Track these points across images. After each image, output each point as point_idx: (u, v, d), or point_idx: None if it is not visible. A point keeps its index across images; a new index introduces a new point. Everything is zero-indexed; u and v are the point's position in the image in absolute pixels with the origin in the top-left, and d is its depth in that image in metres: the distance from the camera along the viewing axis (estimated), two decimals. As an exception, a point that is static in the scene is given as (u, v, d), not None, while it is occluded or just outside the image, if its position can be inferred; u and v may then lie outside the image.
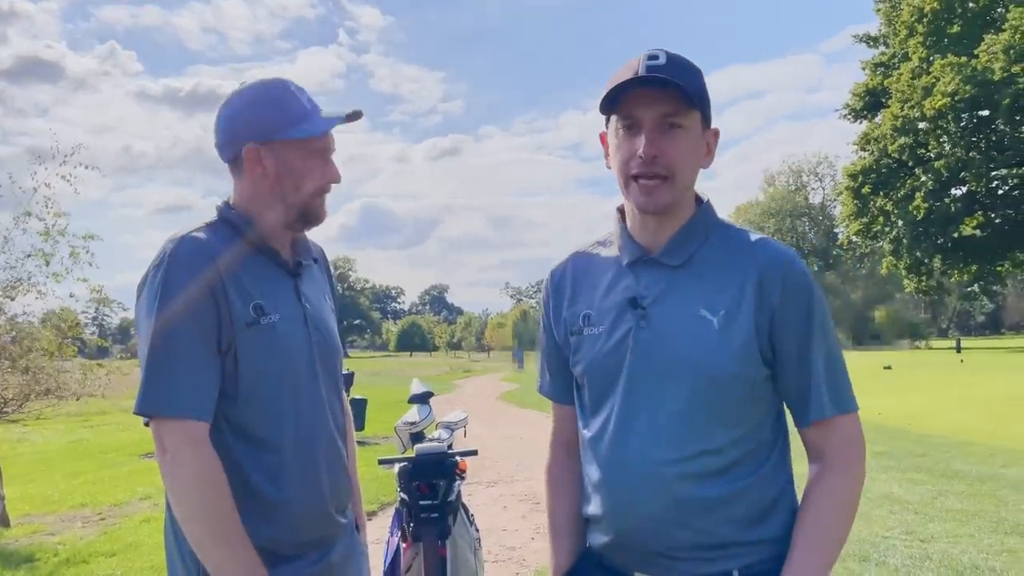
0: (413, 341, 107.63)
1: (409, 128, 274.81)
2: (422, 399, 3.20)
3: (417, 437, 3.14)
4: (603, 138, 1.52)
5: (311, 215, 1.68)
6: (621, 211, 1.54)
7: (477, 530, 3.39)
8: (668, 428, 1.36)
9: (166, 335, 1.50)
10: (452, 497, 3.06)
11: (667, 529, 1.37)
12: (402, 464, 2.86)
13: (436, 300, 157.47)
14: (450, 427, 3.25)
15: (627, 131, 1.41)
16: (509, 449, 10.89)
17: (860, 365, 28.03)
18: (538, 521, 6.56)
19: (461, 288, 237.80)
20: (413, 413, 3.16)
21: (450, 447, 2.97)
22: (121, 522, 6.77)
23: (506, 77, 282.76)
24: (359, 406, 12.36)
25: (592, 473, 1.48)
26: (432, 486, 2.98)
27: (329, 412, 1.71)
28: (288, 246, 1.73)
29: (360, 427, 12.34)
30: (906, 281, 43.09)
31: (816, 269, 64.53)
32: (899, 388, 17.54)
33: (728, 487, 1.36)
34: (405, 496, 2.94)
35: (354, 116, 1.70)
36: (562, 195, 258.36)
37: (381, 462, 2.89)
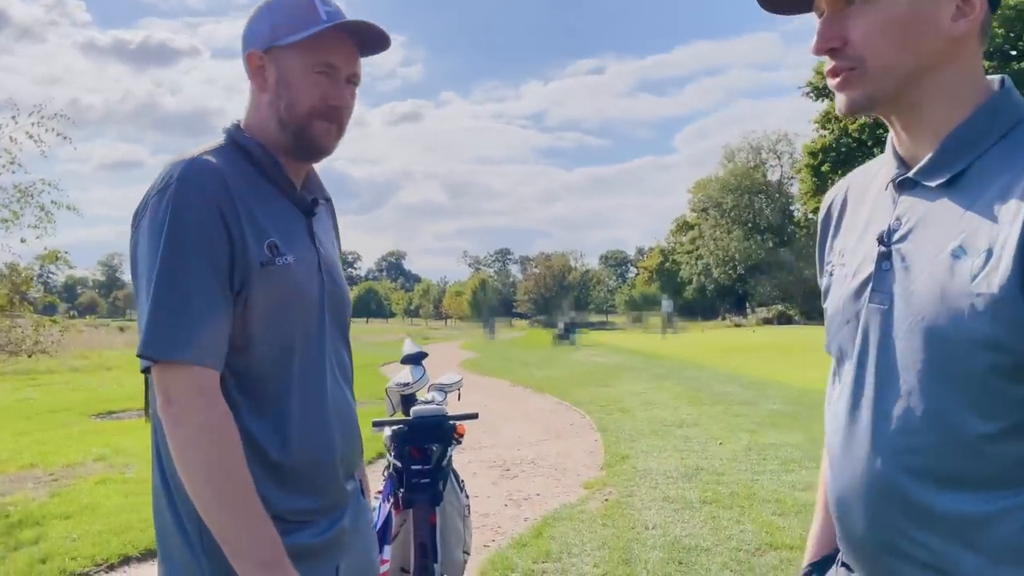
0: (370, 307, 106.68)
1: (367, 92, 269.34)
2: (415, 360, 3.03)
3: (409, 399, 2.98)
4: None
5: (308, 143, 1.47)
6: None
7: (467, 496, 3.26)
8: (899, 409, 1.02)
9: (176, 269, 1.31)
10: (445, 462, 2.92)
11: (888, 535, 1.04)
12: (397, 427, 2.70)
13: (393, 267, 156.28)
14: (443, 389, 3.10)
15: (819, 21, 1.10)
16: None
17: (814, 340, 28.55)
18: (509, 488, 6.47)
19: (419, 255, 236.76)
20: (406, 374, 2.99)
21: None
22: (75, 483, 6.49)
23: (467, 44, 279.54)
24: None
25: (827, 446, 1.18)
26: (424, 451, 2.84)
27: (337, 364, 1.56)
28: (301, 180, 1.55)
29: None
30: (859, 259, 44.00)
31: (771, 245, 65.50)
32: (854, 363, 17.86)
33: (978, 502, 0.97)
34: (397, 462, 2.79)
35: (370, 33, 1.48)
36: (522, 165, 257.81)
37: (375, 424, 2.72)
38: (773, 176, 72.17)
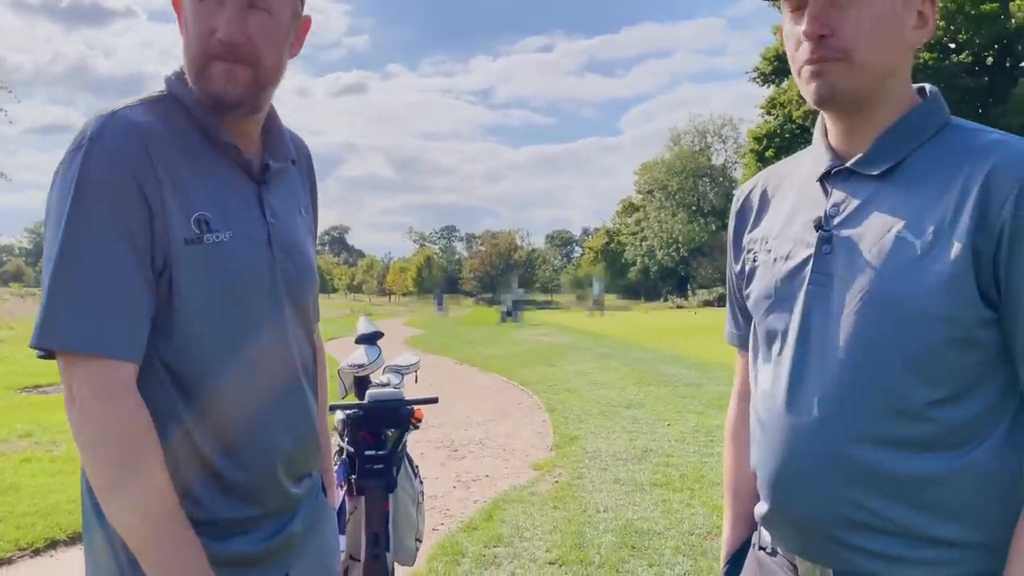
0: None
1: (311, 60, 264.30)
2: (370, 340, 2.87)
3: (363, 382, 2.82)
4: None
5: (209, 92, 1.20)
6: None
7: (421, 482, 3.14)
8: (847, 380, 1.07)
9: (80, 243, 1.11)
10: (400, 448, 2.79)
11: (836, 506, 1.08)
12: (351, 411, 2.55)
13: (336, 241, 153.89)
14: (400, 371, 2.95)
15: (794, 14, 1.13)
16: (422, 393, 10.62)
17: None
18: (458, 469, 6.36)
19: (363, 230, 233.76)
20: (360, 355, 2.83)
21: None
22: (-3, 463, 6.13)
23: (415, 15, 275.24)
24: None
25: (755, 430, 1.22)
26: (378, 435, 2.70)
27: (296, 356, 1.35)
28: (256, 139, 1.33)
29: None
30: (798, 244, 45.02)
31: (714, 229, 66.57)
32: (793, 346, 18.27)
33: (923, 463, 1.04)
34: (350, 447, 2.64)
35: None
36: (469, 141, 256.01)
37: (331, 408, 2.56)
38: (718, 160, 73.27)
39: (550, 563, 4.06)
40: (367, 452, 2.65)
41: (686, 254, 66.55)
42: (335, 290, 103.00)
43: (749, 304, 1.26)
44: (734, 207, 1.37)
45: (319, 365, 1.50)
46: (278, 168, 1.35)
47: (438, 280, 72.40)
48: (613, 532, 4.49)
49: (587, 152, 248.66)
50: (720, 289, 59.68)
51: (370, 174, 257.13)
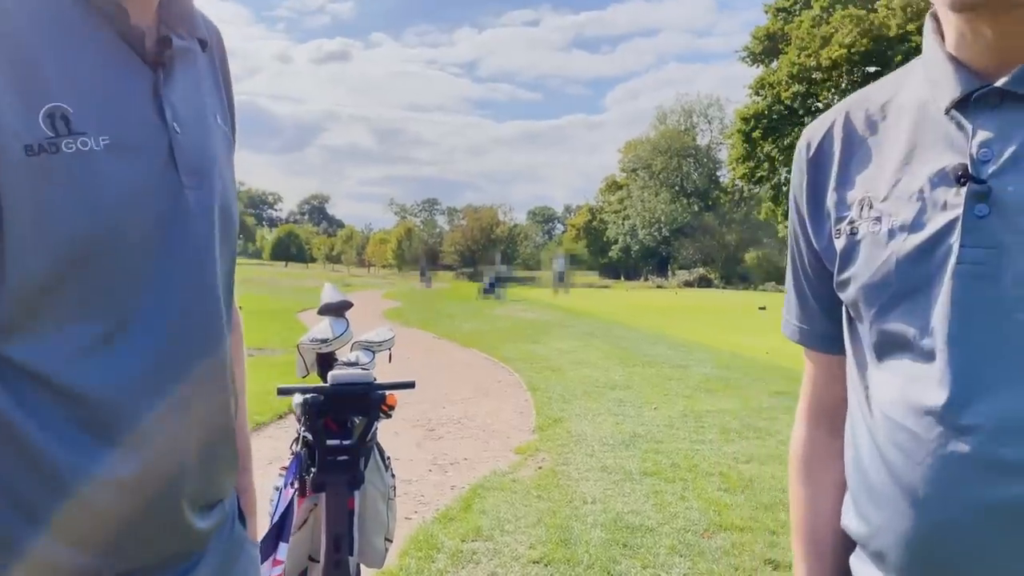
0: (289, 251, 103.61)
1: (294, 26, 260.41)
2: (337, 311, 2.44)
3: (327, 359, 2.40)
4: None
5: None
6: (935, 19, 0.88)
7: (393, 475, 2.73)
8: None
9: None
10: (369, 437, 2.38)
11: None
12: (310, 395, 2.13)
13: (316, 210, 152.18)
14: (371, 348, 2.52)
15: None
16: (397, 370, 10.15)
17: (736, 305, 29.03)
18: (434, 451, 5.97)
19: (343, 200, 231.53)
20: (324, 328, 2.40)
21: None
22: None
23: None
24: (232, 314, 11.26)
25: (871, 465, 0.85)
26: (344, 424, 2.28)
27: (205, 331, 0.90)
28: (151, 9, 0.88)
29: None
30: (781, 227, 44.92)
31: (696, 210, 66.33)
32: (778, 328, 17.98)
33: None
34: (308, 435, 2.22)
35: None
36: (454, 114, 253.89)
37: (281, 392, 2.14)
38: (703, 141, 72.92)
39: (534, 562, 3.68)
40: (330, 442, 2.24)
41: (668, 234, 66.40)
42: (313, 260, 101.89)
43: (847, 294, 0.90)
44: (802, 154, 0.98)
45: (236, 346, 1.05)
46: (183, 48, 0.90)
47: (419, 253, 71.60)
48: (602, 527, 4.12)
49: (571, 129, 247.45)
50: (701, 270, 59.64)
51: (351, 144, 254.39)
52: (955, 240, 0.77)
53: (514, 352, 11.93)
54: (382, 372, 2.47)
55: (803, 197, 0.97)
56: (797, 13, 39.37)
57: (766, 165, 39.92)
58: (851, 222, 0.88)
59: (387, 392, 2.23)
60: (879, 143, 0.89)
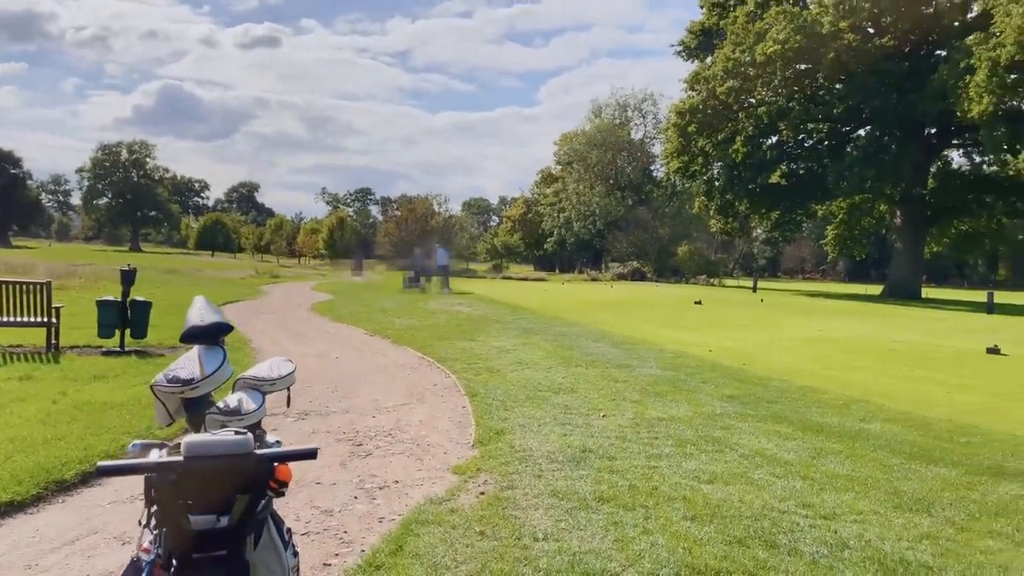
0: (216, 240, 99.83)
1: (221, 9, 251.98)
2: (210, 336, 1.74)
3: (197, 405, 1.71)
4: None
5: None
6: None
7: (296, 553, 2.03)
8: None
9: None
10: (259, 510, 1.69)
11: None
12: (154, 475, 1.43)
13: (244, 199, 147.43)
14: (260, 388, 1.82)
15: None
16: (323, 371, 9.41)
17: (672, 298, 28.92)
18: (361, 471, 5.26)
19: (273, 189, 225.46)
20: (191, 361, 1.70)
21: (260, 436, 1.58)
22: None
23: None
24: (140, 310, 10.25)
25: None
26: (222, 498, 1.59)
27: None
28: None
29: (141, 334, 10.28)
30: (713, 221, 45.19)
31: (630, 203, 66.47)
32: (717, 324, 17.81)
33: None
34: (164, 526, 1.52)
35: None
36: (385, 103, 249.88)
37: (102, 471, 1.43)
38: (637, 135, 73.14)
39: (479, 626, 3.04)
40: (198, 527, 1.55)
41: (602, 227, 66.44)
42: (242, 249, 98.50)
43: None
44: None
45: None
46: None
47: (352, 244, 69.80)
48: (559, 574, 3.50)
49: (505, 121, 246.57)
50: (634, 263, 59.76)
51: (281, 132, 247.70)
52: None
53: (450, 351, 11.23)
54: (273, 427, 1.77)
55: None
56: (732, 9, 39.52)
57: (700, 160, 39.99)
58: None
59: (277, 463, 1.54)
60: None
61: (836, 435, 6.37)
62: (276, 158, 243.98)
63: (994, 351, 13.40)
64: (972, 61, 27.09)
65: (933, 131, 36.28)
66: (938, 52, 33.34)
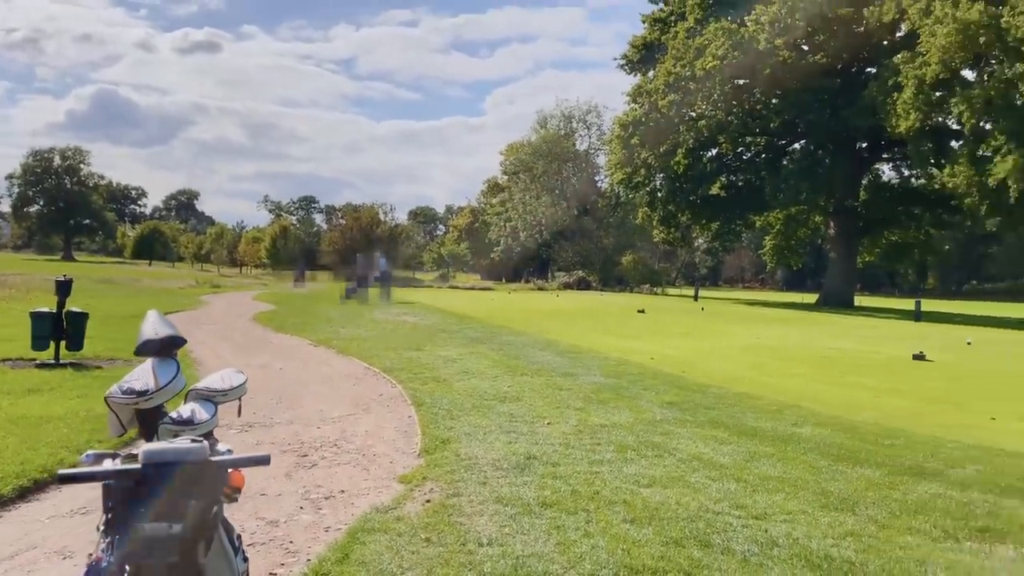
0: (154, 249, 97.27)
1: (158, 13, 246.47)
2: (164, 349, 1.80)
3: (152, 415, 1.77)
4: None
5: None
6: None
7: (246, 559, 2.09)
8: None
9: None
10: (211, 516, 1.75)
11: None
12: (113, 482, 1.49)
13: (184, 207, 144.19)
14: (212, 399, 1.89)
15: None
16: (267, 382, 9.34)
17: (616, 307, 29.38)
18: (307, 481, 5.28)
19: (213, 196, 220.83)
20: (144, 374, 1.76)
21: (212, 445, 1.65)
22: None
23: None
24: (77, 322, 10.01)
25: None
26: (175, 505, 1.66)
27: None
28: None
29: (77, 347, 10.04)
30: (656, 231, 46.06)
31: (576, 213, 67.23)
32: (659, 332, 18.19)
33: None
34: (118, 531, 1.58)
35: None
36: (329, 111, 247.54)
37: (62, 479, 1.49)
38: (582, 146, 74.01)
39: (425, 629, 3.12)
40: (150, 534, 1.61)
41: (548, 237, 66.99)
42: (181, 259, 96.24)
43: None
44: None
45: None
46: None
47: (295, 252, 68.85)
48: (502, 577, 3.61)
49: (451, 130, 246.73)
50: (580, 272, 60.43)
51: (221, 138, 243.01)
52: None
53: (396, 361, 11.25)
54: (226, 436, 1.84)
55: None
56: (673, 24, 40.46)
57: (643, 171, 40.71)
58: None
59: (232, 469, 1.62)
60: None
61: (769, 439, 6.64)
62: (216, 165, 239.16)
63: (920, 357, 14.02)
64: (899, 79, 28.29)
65: (864, 145, 37.72)
66: (868, 69, 34.73)
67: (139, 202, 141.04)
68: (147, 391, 1.73)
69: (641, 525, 4.35)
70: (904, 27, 32.54)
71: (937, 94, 27.69)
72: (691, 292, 47.49)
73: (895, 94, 28.46)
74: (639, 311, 26.42)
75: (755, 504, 4.78)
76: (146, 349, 1.81)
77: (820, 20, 31.45)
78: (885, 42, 33.57)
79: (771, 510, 4.67)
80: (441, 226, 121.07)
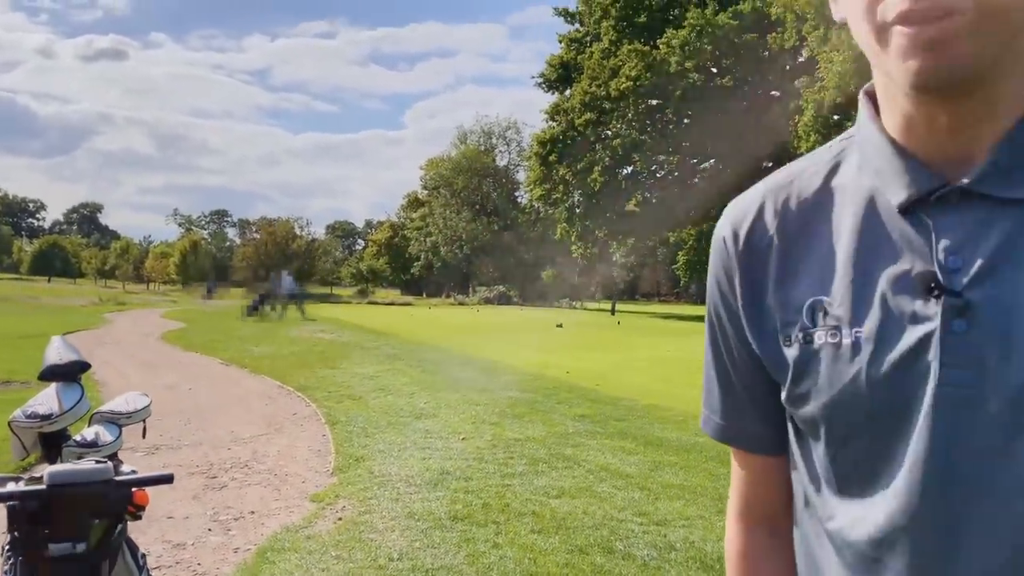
0: (53, 264, 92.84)
1: (60, 18, 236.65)
2: (67, 374, 1.85)
3: (55, 439, 1.81)
4: None
5: None
6: (872, 97, 0.78)
7: (148, 574, 2.15)
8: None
9: None
10: (114, 537, 1.81)
11: None
12: (16, 503, 1.54)
13: (86, 220, 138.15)
14: (116, 422, 1.94)
15: None
16: (174, 403, 9.13)
17: (535, 322, 29.75)
18: (215, 503, 5.23)
19: (118, 209, 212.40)
20: (48, 398, 1.80)
21: (117, 466, 1.71)
22: None
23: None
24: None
25: None
26: (76, 525, 1.71)
27: None
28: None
29: (-31, 370, 9.57)
30: (574, 247, 46.89)
31: (496, 228, 67.77)
32: (576, 346, 18.55)
33: None
34: (22, 552, 1.63)
35: None
36: (243, 122, 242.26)
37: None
38: (502, 162, 74.76)
39: (334, 643, 3.19)
40: (55, 554, 1.66)
41: (469, 252, 67.26)
42: (83, 275, 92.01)
43: (804, 411, 0.79)
44: (728, 244, 0.86)
45: None
46: None
47: (206, 268, 66.86)
48: (411, 590, 3.70)
49: (369, 144, 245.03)
50: (500, 287, 60.87)
51: (127, 149, 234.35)
52: (933, 359, 0.69)
53: (311, 379, 11.16)
54: (129, 458, 1.91)
55: (736, 293, 0.85)
56: (588, 45, 41.48)
57: (561, 188, 41.42)
58: (803, 329, 0.78)
59: (136, 488, 1.69)
60: (821, 235, 0.79)
61: (674, 448, 6.93)
62: (122, 177, 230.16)
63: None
64: (800, 102, 29.81)
65: (770, 165, 39.46)
66: (773, 92, 36.41)
67: (37, 215, 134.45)
68: (51, 415, 1.78)
69: (548, 535, 4.51)
70: (804, 53, 34.34)
71: (835, 117, 29.29)
72: (609, 306, 48.48)
73: (796, 117, 29.96)
74: (558, 325, 26.84)
75: (657, 511, 5.02)
76: (51, 374, 1.85)
77: (726, 45, 32.85)
78: (787, 67, 35.31)
79: (671, 516, 4.92)
80: (360, 241, 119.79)
